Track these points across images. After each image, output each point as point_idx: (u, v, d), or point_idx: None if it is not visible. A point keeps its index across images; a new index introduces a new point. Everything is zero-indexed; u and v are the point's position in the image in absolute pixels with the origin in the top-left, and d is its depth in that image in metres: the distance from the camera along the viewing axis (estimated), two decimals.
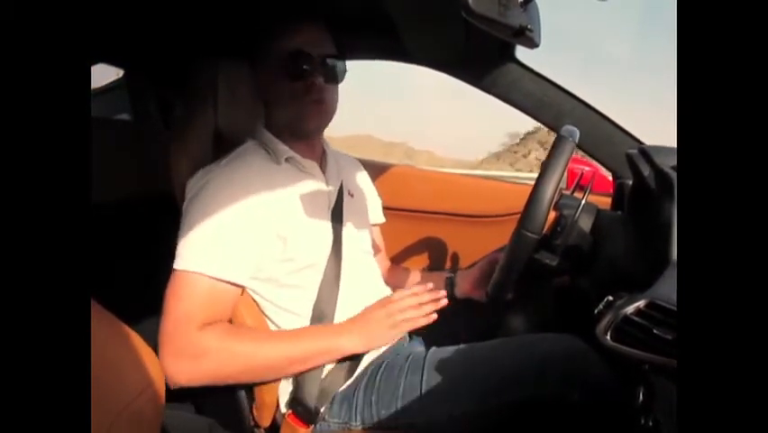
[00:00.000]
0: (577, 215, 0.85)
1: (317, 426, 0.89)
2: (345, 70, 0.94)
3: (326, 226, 0.93)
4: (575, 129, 0.79)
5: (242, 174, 0.85)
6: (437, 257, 1.51)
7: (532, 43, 0.68)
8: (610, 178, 1.39)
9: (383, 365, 0.92)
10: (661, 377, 0.68)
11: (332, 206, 0.96)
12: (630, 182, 1.02)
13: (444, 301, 0.90)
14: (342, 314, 0.90)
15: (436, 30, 1.11)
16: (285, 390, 0.90)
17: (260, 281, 0.87)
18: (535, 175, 0.78)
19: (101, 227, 0.80)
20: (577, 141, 0.77)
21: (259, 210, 0.83)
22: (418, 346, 1.03)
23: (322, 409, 0.88)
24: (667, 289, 0.60)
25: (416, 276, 1.18)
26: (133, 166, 1.26)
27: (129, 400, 0.58)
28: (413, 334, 1.06)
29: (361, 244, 1.02)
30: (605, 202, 1.28)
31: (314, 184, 0.94)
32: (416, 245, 1.50)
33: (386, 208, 1.22)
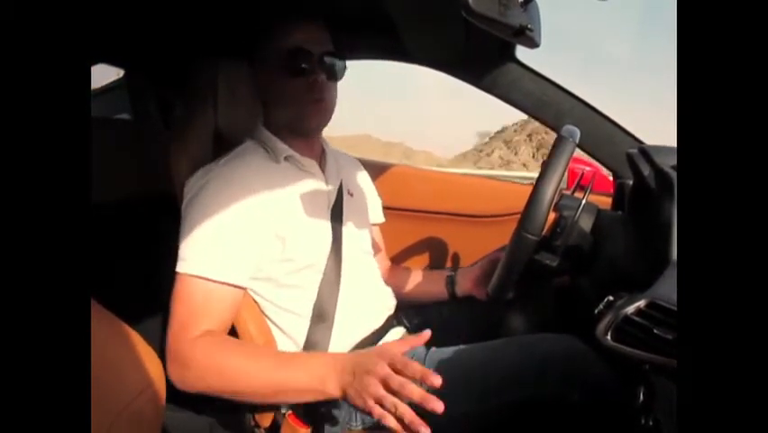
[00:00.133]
0: (577, 215, 0.85)
1: (317, 426, 0.89)
2: (345, 68, 0.94)
3: (326, 226, 0.93)
4: (575, 129, 0.79)
5: (241, 174, 0.85)
6: (437, 257, 1.51)
7: (532, 43, 0.68)
8: (611, 178, 1.39)
9: None
10: (661, 377, 0.68)
11: (331, 205, 0.96)
12: (630, 182, 1.02)
13: (440, 408, 0.67)
14: (341, 314, 0.90)
15: (436, 29, 1.11)
16: None
17: (260, 281, 0.87)
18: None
19: (101, 227, 0.80)
20: (577, 141, 0.77)
21: (258, 210, 0.83)
22: (418, 347, 1.03)
23: (322, 410, 0.88)
24: (667, 288, 0.60)
25: (417, 275, 1.18)
26: (133, 166, 1.26)
27: (129, 400, 0.58)
28: (412, 334, 1.06)
29: (360, 243, 1.02)
30: (605, 202, 1.28)
31: (313, 183, 0.94)
32: (416, 245, 1.50)
33: (386, 208, 1.22)
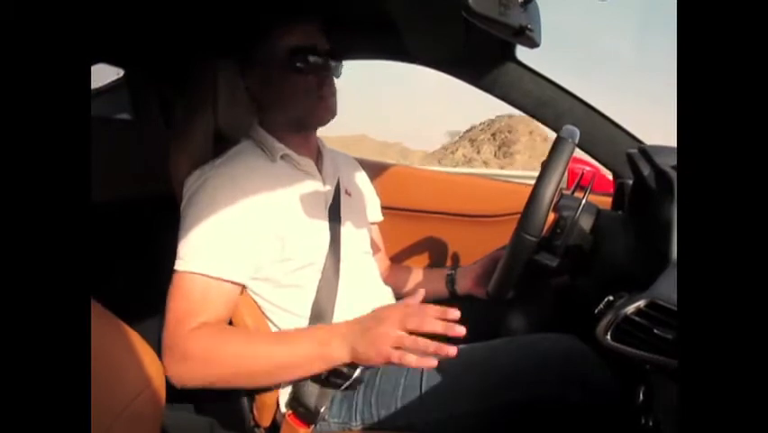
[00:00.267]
0: (577, 215, 0.85)
1: (317, 426, 0.89)
2: (342, 66, 0.95)
3: (324, 225, 0.93)
4: (575, 129, 0.79)
5: (238, 173, 0.85)
6: (436, 257, 1.51)
7: (532, 43, 0.68)
8: (611, 178, 1.39)
9: None
10: (661, 377, 0.68)
11: (329, 204, 0.96)
12: (630, 182, 1.02)
13: (453, 352, 0.72)
14: (340, 313, 0.90)
15: (436, 29, 1.11)
16: (285, 390, 0.89)
17: (259, 281, 0.87)
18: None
19: (101, 227, 0.80)
20: (577, 141, 0.77)
21: (256, 208, 0.83)
22: None
23: (322, 409, 0.88)
24: (667, 288, 0.60)
25: (416, 274, 1.17)
26: (133, 166, 1.26)
27: (129, 400, 0.58)
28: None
29: (359, 243, 1.02)
30: (605, 202, 1.28)
31: (310, 182, 0.94)
32: (416, 245, 1.50)
33: (385, 208, 1.22)
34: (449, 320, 0.73)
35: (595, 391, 0.80)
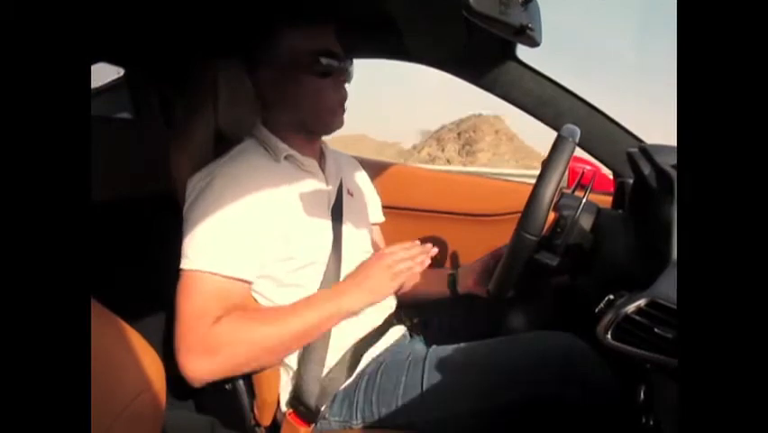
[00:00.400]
0: (578, 214, 0.85)
1: (318, 424, 0.89)
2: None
3: (326, 225, 0.93)
4: (576, 128, 0.79)
5: (243, 172, 0.85)
6: (437, 256, 1.51)
7: (533, 42, 0.68)
8: (611, 177, 1.39)
9: (384, 364, 0.92)
10: (661, 376, 0.68)
11: (331, 204, 0.96)
12: (631, 181, 1.02)
13: (435, 251, 0.93)
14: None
15: (437, 29, 1.11)
16: (286, 388, 0.90)
17: (261, 279, 0.87)
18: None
19: (101, 227, 0.80)
20: (577, 140, 0.76)
21: (261, 208, 0.84)
22: (419, 345, 1.03)
23: (322, 408, 0.88)
24: (668, 287, 0.60)
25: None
26: (134, 165, 1.26)
27: (129, 400, 0.58)
28: (413, 333, 1.06)
29: (360, 243, 1.03)
30: (606, 201, 1.28)
31: (313, 182, 0.94)
32: None
33: (385, 207, 1.22)
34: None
35: (595, 390, 0.80)
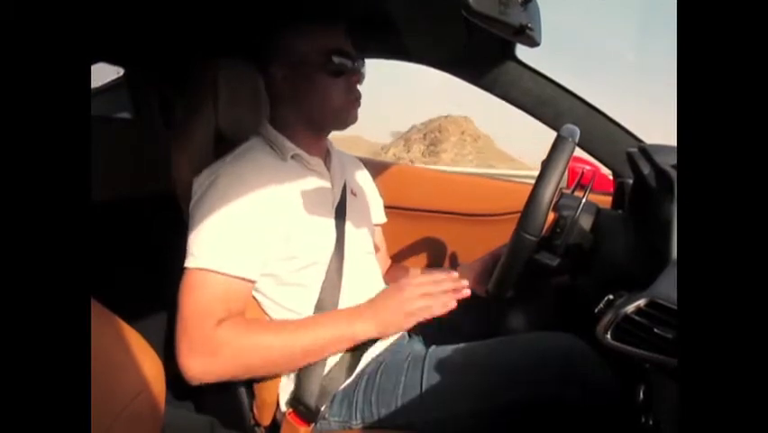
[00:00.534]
0: (577, 214, 0.85)
1: (317, 424, 0.89)
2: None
3: (330, 224, 0.93)
4: (575, 128, 0.79)
5: (249, 170, 0.85)
6: (437, 256, 1.51)
7: (532, 42, 0.68)
8: (611, 177, 1.39)
9: (383, 364, 0.92)
10: (661, 376, 0.68)
11: (335, 204, 0.96)
12: (631, 181, 1.02)
13: (467, 292, 0.86)
14: None
15: (437, 29, 1.11)
16: (285, 388, 0.90)
17: (263, 278, 0.87)
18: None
19: (101, 227, 0.80)
20: (577, 140, 0.76)
21: (267, 206, 0.84)
22: (418, 345, 1.03)
23: (322, 408, 0.88)
24: (668, 287, 0.60)
25: (415, 274, 1.17)
26: (134, 165, 1.26)
27: (129, 400, 0.58)
28: (412, 332, 1.06)
29: (363, 243, 1.03)
30: (605, 201, 1.28)
31: (319, 182, 0.95)
32: (416, 244, 1.50)
33: (386, 207, 1.22)
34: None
35: (595, 390, 0.80)
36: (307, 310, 0.89)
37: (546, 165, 0.75)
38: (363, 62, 0.96)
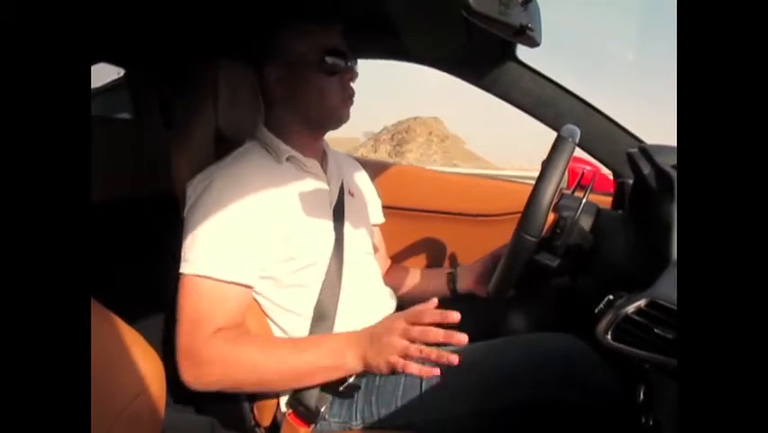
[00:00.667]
0: (577, 215, 0.85)
1: (317, 425, 0.89)
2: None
3: (328, 226, 0.93)
4: (575, 128, 0.79)
5: (244, 174, 0.85)
6: (436, 256, 1.51)
7: (533, 42, 0.68)
8: (611, 177, 1.39)
9: None
10: (661, 376, 0.68)
11: (333, 205, 0.96)
12: (631, 181, 1.02)
13: (455, 360, 0.75)
14: (342, 314, 0.90)
15: (437, 29, 1.11)
16: None
17: (263, 280, 0.87)
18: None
19: (101, 227, 0.80)
20: (577, 141, 0.76)
21: (263, 210, 0.83)
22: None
23: (322, 409, 0.88)
24: (668, 288, 0.60)
25: (415, 274, 1.17)
26: (134, 165, 1.26)
27: (129, 400, 0.58)
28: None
29: (361, 243, 1.02)
30: (606, 201, 1.28)
31: (315, 183, 0.94)
32: (416, 245, 1.50)
33: (385, 207, 1.22)
34: (449, 325, 0.76)
35: (595, 390, 0.80)
36: (307, 311, 0.89)
37: (547, 165, 0.75)
38: (356, 61, 0.96)
